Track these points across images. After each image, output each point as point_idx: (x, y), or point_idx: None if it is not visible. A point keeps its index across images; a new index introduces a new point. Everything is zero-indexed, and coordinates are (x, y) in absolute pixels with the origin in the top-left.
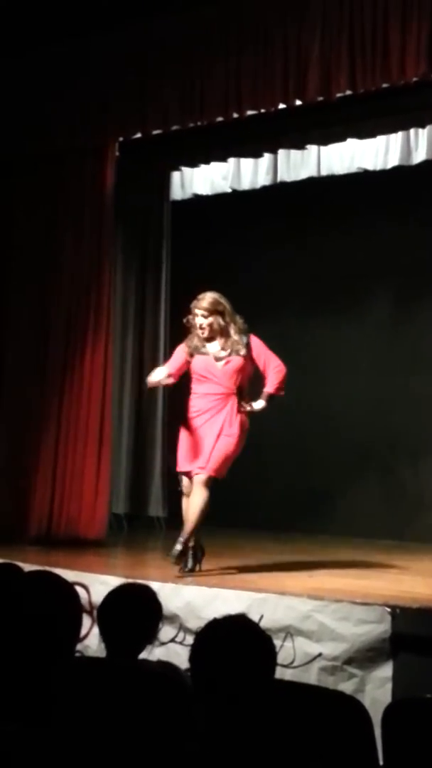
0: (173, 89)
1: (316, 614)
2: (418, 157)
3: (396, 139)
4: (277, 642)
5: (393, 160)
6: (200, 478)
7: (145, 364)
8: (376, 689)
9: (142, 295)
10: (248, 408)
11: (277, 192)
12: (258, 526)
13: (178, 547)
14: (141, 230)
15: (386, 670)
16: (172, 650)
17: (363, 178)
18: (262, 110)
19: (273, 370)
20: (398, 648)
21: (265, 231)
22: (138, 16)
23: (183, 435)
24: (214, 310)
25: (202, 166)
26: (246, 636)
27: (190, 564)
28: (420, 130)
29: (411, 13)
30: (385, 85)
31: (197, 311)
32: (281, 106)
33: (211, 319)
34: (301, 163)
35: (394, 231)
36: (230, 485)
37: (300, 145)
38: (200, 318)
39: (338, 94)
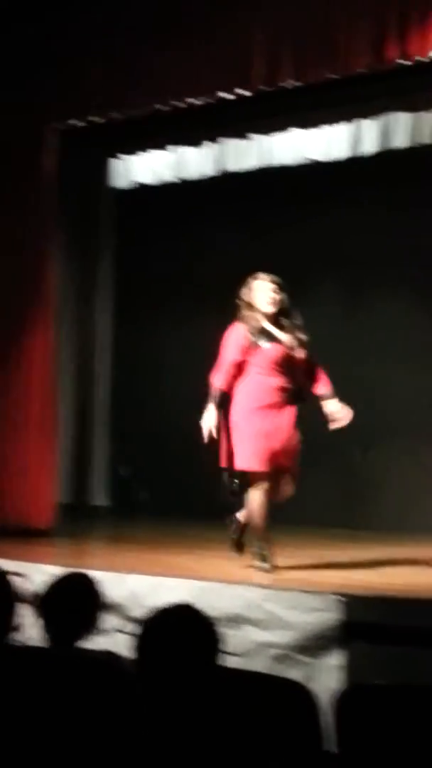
0: (115, 76)
1: (265, 603)
2: (365, 148)
3: (343, 129)
4: (224, 630)
5: (340, 151)
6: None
7: (87, 352)
8: (327, 677)
9: (84, 284)
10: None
11: (224, 181)
12: (210, 515)
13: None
14: (83, 219)
15: (336, 658)
16: (115, 639)
17: (310, 169)
18: (206, 99)
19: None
20: (349, 636)
21: (210, 221)
22: (75, 2)
23: (251, 431)
24: (282, 286)
25: (146, 155)
26: (190, 624)
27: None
28: (367, 121)
29: (357, 4)
30: (331, 76)
31: (265, 284)
32: (225, 95)
33: (282, 296)
34: (247, 153)
35: (341, 221)
36: (181, 475)
37: (245, 135)
38: (271, 291)
39: (283, 84)
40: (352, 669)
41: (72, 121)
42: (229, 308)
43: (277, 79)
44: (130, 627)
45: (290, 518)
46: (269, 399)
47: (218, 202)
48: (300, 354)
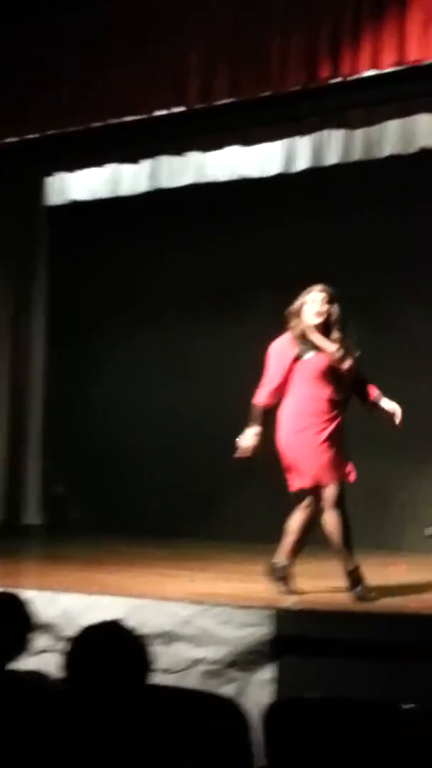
0: (50, 93)
1: (196, 619)
2: (299, 165)
3: (277, 147)
4: (157, 647)
5: (274, 168)
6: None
7: (20, 370)
8: (258, 692)
9: (18, 302)
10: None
11: (159, 198)
12: (143, 532)
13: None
14: (16, 236)
15: (268, 672)
16: (46, 660)
17: (244, 185)
18: (142, 116)
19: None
20: (280, 650)
21: (145, 236)
22: (12, 18)
23: (301, 447)
24: (334, 298)
25: (82, 172)
26: (119, 641)
27: (360, 590)
28: (301, 139)
29: (291, 23)
30: (265, 93)
31: (315, 294)
32: (161, 112)
33: (332, 307)
34: (181, 170)
35: (274, 238)
36: (116, 492)
37: (181, 152)
38: (319, 302)
39: (219, 102)
40: (283, 683)
41: (7, 139)
42: (165, 324)
43: (212, 96)
44: (63, 646)
45: (225, 535)
46: (313, 410)
47: (154, 219)
48: (346, 365)
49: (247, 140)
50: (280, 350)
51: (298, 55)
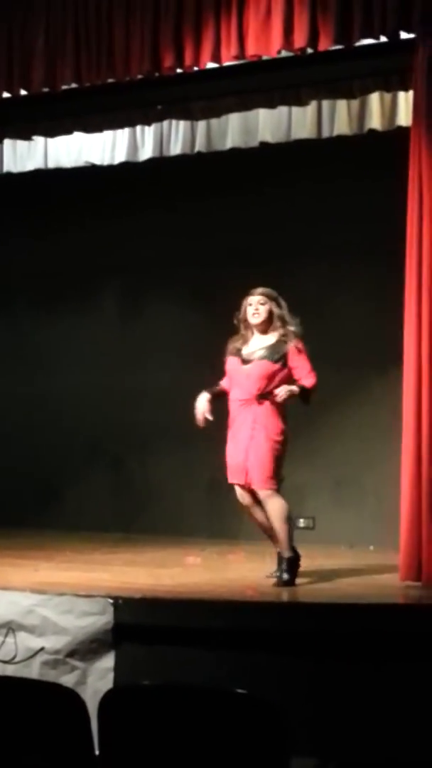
0: None
1: (38, 608)
2: (144, 154)
3: (123, 134)
4: None
5: (120, 156)
6: (261, 494)
7: None
8: (98, 680)
9: None
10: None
11: (4, 182)
12: None
13: (287, 554)
14: None
15: (108, 661)
16: None
17: (91, 172)
18: None
19: (305, 377)
20: (120, 638)
21: None
22: None
23: (228, 444)
24: (271, 297)
25: None
26: None
27: (285, 576)
28: (146, 128)
29: (134, 12)
30: (110, 80)
31: (252, 298)
32: (6, 94)
33: (268, 306)
34: (28, 154)
35: (121, 226)
36: None
37: (26, 136)
38: (257, 305)
39: (63, 86)
40: (122, 671)
41: None
42: (14, 313)
43: (57, 81)
44: None
45: (69, 524)
46: (232, 411)
47: (1, 203)
48: (264, 365)
49: (94, 127)
50: (229, 349)
51: (140, 43)
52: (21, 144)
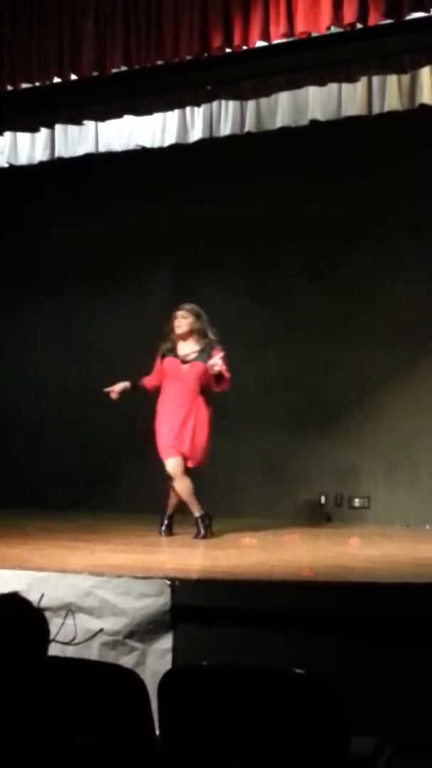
0: None
1: (97, 590)
2: (194, 135)
3: (172, 116)
4: (58, 620)
5: (170, 138)
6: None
7: None
8: (157, 661)
9: None
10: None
11: (56, 167)
12: (43, 505)
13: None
14: None
15: (166, 642)
16: None
17: (141, 155)
18: (37, 83)
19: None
20: (178, 619)
21: (43, 208)
22: None
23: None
24: (194, 312)
25: None
26: (17, 614)
27: (203, 531)
28: (196, 109)
29: None
30: (159, 62)
31: (178, 312)
32: (56, 80)
33: (190, 319)
34: (78, 139)
35: (172, 209)
36: (15, 465)
37: (77, 120)
38: (180, 318)
39: (113, 70)
40: (180, 652)
41: None
42: (65, 298)
43: (107, 65)
44: None
45: (125, 507)
46: (167, 402)
47: (53, 188)
48: (199, 365)
49: (144, 109)
50: (162, 350)
51: (189, 23)
52: (72, 129)
